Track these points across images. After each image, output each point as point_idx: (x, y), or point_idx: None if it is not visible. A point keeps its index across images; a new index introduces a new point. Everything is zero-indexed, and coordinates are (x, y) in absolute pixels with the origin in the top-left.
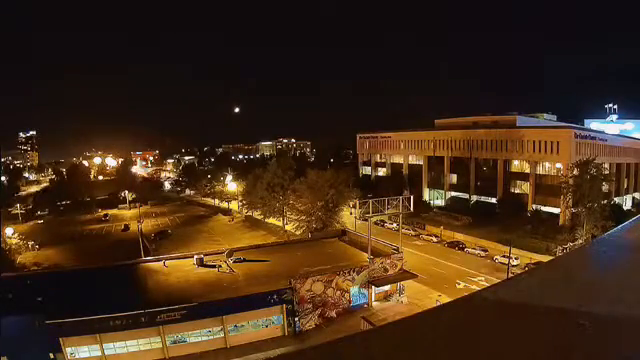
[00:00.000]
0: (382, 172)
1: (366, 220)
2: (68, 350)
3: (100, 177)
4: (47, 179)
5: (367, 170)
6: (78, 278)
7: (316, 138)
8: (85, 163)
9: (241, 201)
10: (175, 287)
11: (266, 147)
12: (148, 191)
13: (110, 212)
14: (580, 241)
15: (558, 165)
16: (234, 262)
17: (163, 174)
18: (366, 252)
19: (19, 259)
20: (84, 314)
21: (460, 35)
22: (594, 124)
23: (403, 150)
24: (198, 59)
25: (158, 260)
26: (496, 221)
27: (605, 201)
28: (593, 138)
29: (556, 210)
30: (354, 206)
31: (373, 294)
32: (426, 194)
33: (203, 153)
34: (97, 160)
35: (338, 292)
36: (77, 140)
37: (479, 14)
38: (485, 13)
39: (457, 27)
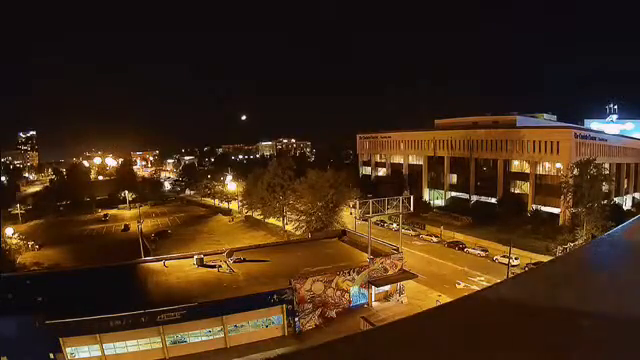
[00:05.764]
0: (382, 172)
1: (366, 220)
2: (68, 350)
3: (100, 177)
4: (47, 179)
5: (367, 170)
6: (78, 278)
7: (316, 138)
8: (85, 163)
9: (241, 201)
10: (175, 287)
11: (266, 147)
12: (148, 191)
13: (110, 212)
14: (580, 241)
15: (558, 165)
16: (234, 262)
17: (163, 174)
18: (366, 252)
19: (19, 259)
20: (84, 314)
21: (459, 35)
22: (594, 124)
23: (403, 150)
24: (198, 59)
25: (158, 260)
26: (496, 221)
27: (605, 201)
28: (593, 138)
29: (556, 210)
30: (354, 206)
31: (373, 294)
32: (426, 194)
33: (203, 153)
34: (97, 160)
35: (338, 292)
36: (77, 140)
37: (480, 14)
38: (486, 13)
39: (457, 27)
